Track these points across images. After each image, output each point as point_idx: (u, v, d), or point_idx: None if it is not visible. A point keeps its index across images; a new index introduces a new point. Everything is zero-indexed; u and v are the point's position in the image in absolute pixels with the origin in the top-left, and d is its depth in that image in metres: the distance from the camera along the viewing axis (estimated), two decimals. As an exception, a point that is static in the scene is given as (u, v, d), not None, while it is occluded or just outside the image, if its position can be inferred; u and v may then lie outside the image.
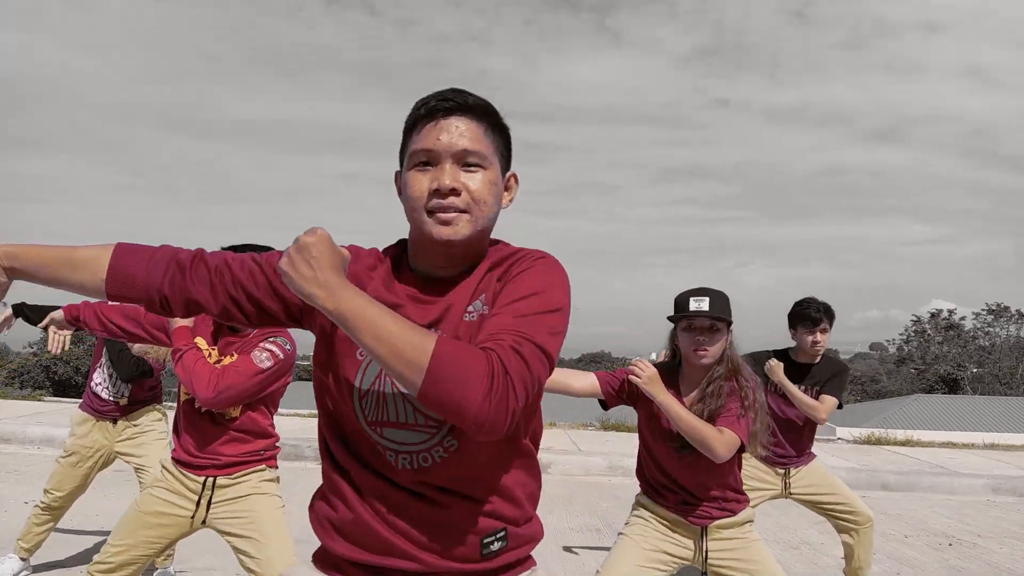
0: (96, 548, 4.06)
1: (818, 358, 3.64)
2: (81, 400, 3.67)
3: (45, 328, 3.01)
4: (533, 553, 1.35)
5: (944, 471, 7.61)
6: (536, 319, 1.12)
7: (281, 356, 2.48)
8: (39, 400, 10.31)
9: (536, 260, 1.22)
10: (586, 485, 6.65)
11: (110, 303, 2.92)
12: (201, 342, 2.54)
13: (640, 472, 2.62)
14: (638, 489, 2.65)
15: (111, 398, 3.53)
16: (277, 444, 2.72)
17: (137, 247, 1.28)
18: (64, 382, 33.69)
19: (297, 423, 8.61)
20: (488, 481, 1.24)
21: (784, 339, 3.76)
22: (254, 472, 2.60)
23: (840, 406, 3.61)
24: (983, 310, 41.99)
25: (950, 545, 5.31)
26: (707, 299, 2.41)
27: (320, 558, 1.34)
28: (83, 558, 3.89)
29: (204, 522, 2.56)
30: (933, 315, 43.01)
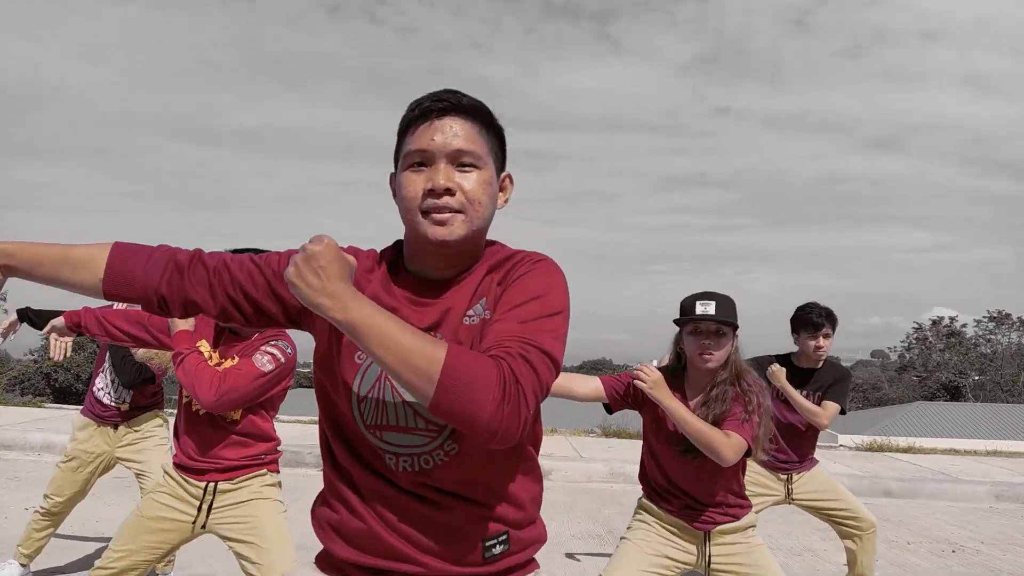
0: (97, 555, 4.05)
1: (820, 363, 3.63)
2: (82, 405, 3.66)
3: (46, 335, 3.01)
4: (536, 556, 1.34)
5: (947, 478, 7.59)
6: (540, 324, 1.12)
7: (282, 359, 2.48)
8: (40, 407, 10.30)
9: (535, 263, 1.22)
10: (588, 492, 6.63)
11: (114, 308, 2.91)
12: (204, 345, 2.54)
13: (643, 476, 2.61)
14: (640, 495, 2.64)
15: (113, 403, 3.53)
16: (278, 448, 2.71)
17: (135, 246, 1.28)
18: (64, 389, 33.72)
19: (297, 429, 8.60)
20: (490, 484, 1.23)
21: (785, 346, 3.75)
22: (255, 477, 2.59)
23: (843, 412, 3.59)
24: (984, 317, 41.98)
25: (953, 552, 5.29)
26: (713, 303, 2.40)
27: (323, 560, 1.33)
28: (83, 564, 3.88)
29: (205, 527, 2.55)
30: (934, 322, 42.97)
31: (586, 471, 7.18)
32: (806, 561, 4.87)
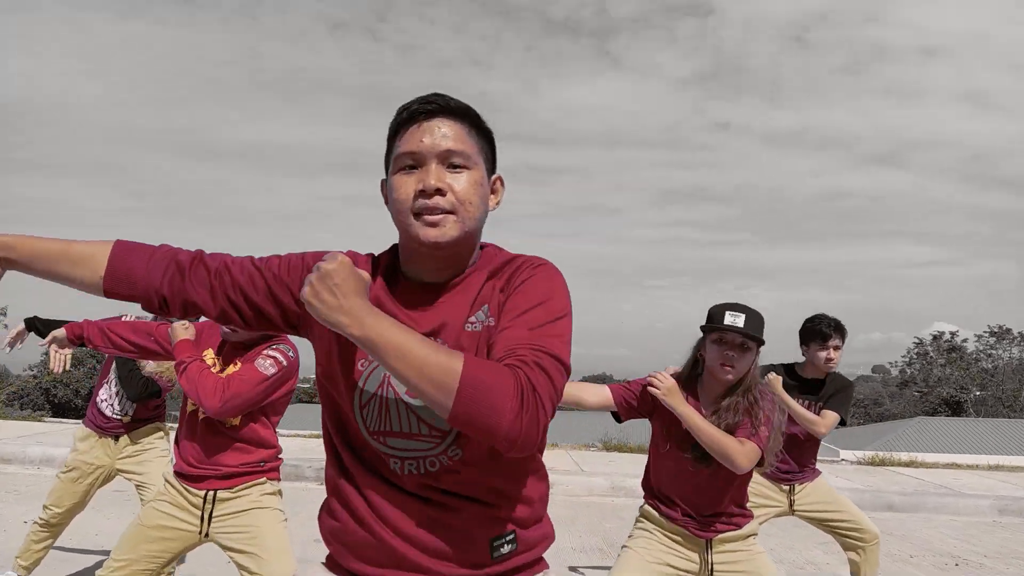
0: (96, 567, 4.03)
1: (826, 374, 3.62)
2: (84, 416, 3.66)
3: (47, 345, 3.00)
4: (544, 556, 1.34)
5: (949, 492, 7.56)
6: (547, 329, 1.12)
7: (284, 362, 2.49)
8: (39, 421, 10.28)
9: (536, 268, 1.22)
10: (589, 505, 6.60)
11: (122, 319, 2.92)
12: (209, 354, 2.55)
13: (647, 483, 2.60)
14: (642, 503, 2.63)
15: (115, 415, 3.52)
16: (279, 456, 2.70)
17: (137, 245, 1.28)
18: (64, 405, 33.60)
19: (298, 443, 8.56)
20: (495, 485, 1.22)
21: (788, 359, 3.74)
22: (255, 485, 2.58)
23: (843, 422, 3.58)
24: (985, 332, 41.89)
25: (956, 565, 5.26)
26: (743, 316, 2.37)
27: (332, 562, 1.32)
28: (82, 577, 3.86)
29: (207, 535, 2.54)
30: (935, 337, 42.88)
31: (587, 485, 7.16)
32: (809, 575, 4.84)
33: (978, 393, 40.52)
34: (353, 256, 1.29)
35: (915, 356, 43.43)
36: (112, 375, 3.55)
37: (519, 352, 1.07)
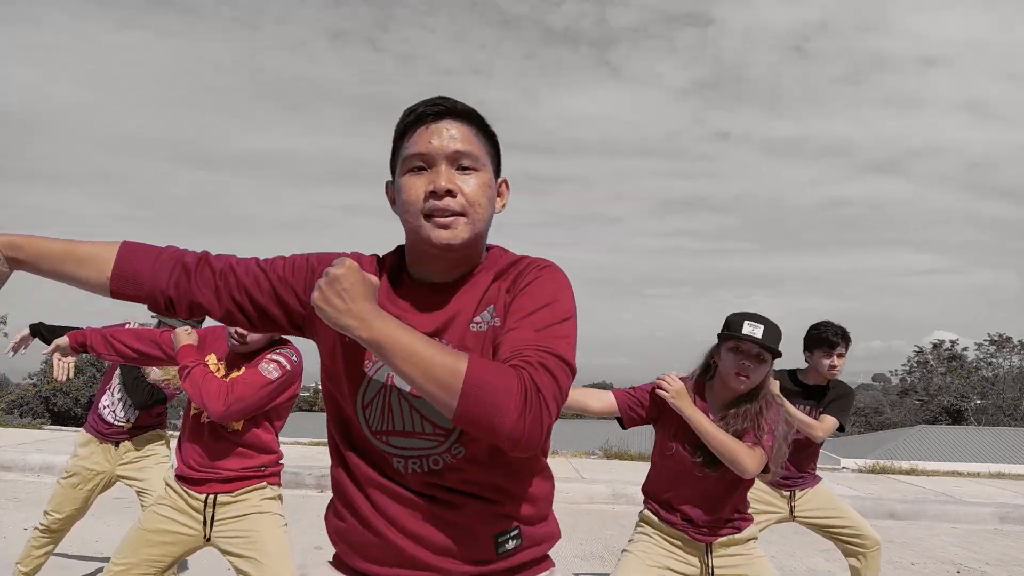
0: (96, 574, 4.03)
1: (828, 381, 3.62)
2: (85, 422, 3.66)
3: (50, 354, 3.00)
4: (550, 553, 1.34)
5: (950, 499, 7.54)
6: (554, 330, 1.13)
7: (288, 367, 2.49)
8: (39, 428, 10.27)
9: (541, 270, 1.23)
10: (589, 513, 6.59)
11: (126, 326, 2.92)
12: (212, 358, 2.55)
13: (648, 488, 2.60)
14: (642, 508, 2.62)
15: (117, 422, 3.52)
16: (280, 461, 2.70)
17: (143, 246, 1.28)
18: (63, 413, 33.55)
19: (298, 451, 8.55)
20: (498, 482, 1.23)
21: (788, 366, 3.74)
22: (255, 490, 2.59)
23: (842, 428, 3.57)
24: (985, 341, 41.85)
25: (958, 573, 5.25)
26: (762, 327, 2.37)
27: (339, 561, 1.33)
28: (82, 583, 3.86)
29: (209, 540, 2.54)
30: (935, 346, 42.84)
31: (588, 492, 7.15)
32: (810, 582, 4.83)
33: (979, 402, 40.44)
34: (357, 257, 1.30)
35: (915, 364, 43.38)
36: (116, 381, 3.55)
37: (524, 353, 1.08)
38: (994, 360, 41.52)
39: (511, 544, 1.23)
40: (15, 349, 3.19)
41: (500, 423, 1.01)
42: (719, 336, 2.49)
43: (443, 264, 1.23)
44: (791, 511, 3.60)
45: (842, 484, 8.11)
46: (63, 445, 7.60)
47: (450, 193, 1.17)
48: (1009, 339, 41.29)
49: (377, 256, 1.33)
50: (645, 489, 2.61)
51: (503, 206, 1.31)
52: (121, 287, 1.25)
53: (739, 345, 2.39)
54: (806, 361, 3.65)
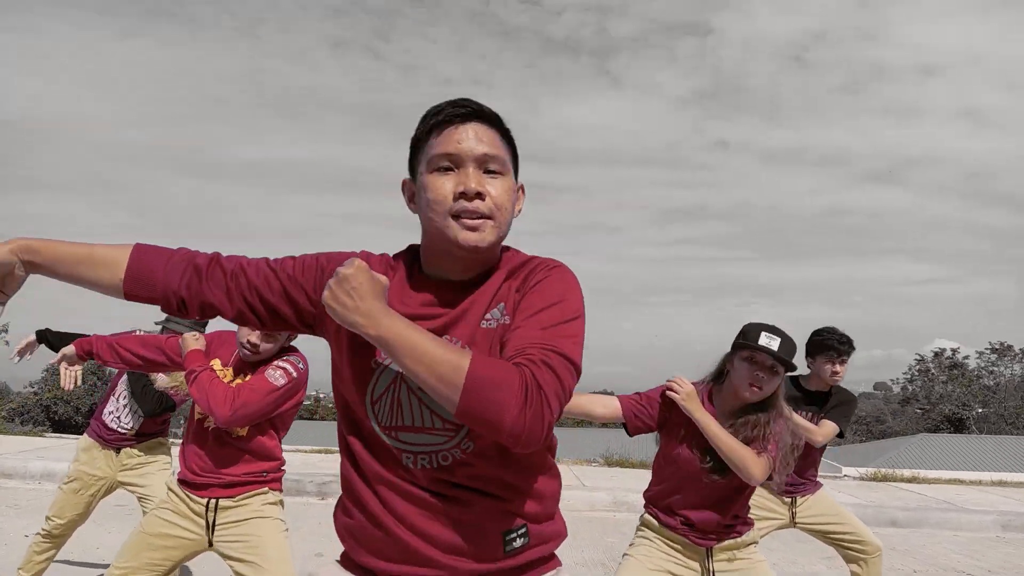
0: (97, 580, 4.03)
1: (830, 387, 3.62)
2: (88, 427, 3.66)
3: (57, 364, 3.01)
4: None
5: (952, 507, 7.53)
6: (559, 329, 1.15)
7: (294, 374, 2.49)
8: (40, 436, 10.27)
9: (551, 269, 1.25)
10: (591, 520, 6.58)
11: (134, 334, 2.93)
12: (217, 364, 2.55)
13: (650, 493, 2.59)
14: (643, 512, 2.62)
15: (121, 429, 3.52)
16: (282, 467, 2.71)
17: (155, 248, 1.30)
18: (64, 422, 33.53)
19: (299, 458, 8.55)
20: (506, 479, 1.24)
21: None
22: (257, 495, 2.59)
23: (842, 434, 3.56)
24: (986, 349, 41.75)
25: (960, 580, 5.23)
26: (779, 340, 2.36)
27: (347, 558, 1.34)
28: (83, 590, 3.85)
29: (212, 544, 2.55)
30: (936, 354, 42.75)
31: (589, 500, 7.14)
32: (812, 589, 4.82)
33: (980, 410, 40.33)
34: (367, 256, 1.32)
35: (916, 373, 43.29)
36: (122, 388, 3.55)
37: (528, 351, 1.10)
38: (995, 368, 41.42)
39: (519, 542, 1.24)
40: (21, 354, 3.20)
41: (501, 419, 1.03)
42: (734, 344, 2.47)
43: (462, 264, 1.25)
44: (792, 517, 3.60)
45: (844, 492, 8.10)
46: (64, 452, 7.59)
47: (479, 196, 1.19)
48: (1010, 347, 41.20)
49: (388, 255, 1.35)
50: (647, 494, 2.60)
51: (519, 211, 1.33)
52: (134, 289, 1.27)
53: (754, 356, 2.38)
54: (808, 367, 3.65)
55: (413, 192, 1.29)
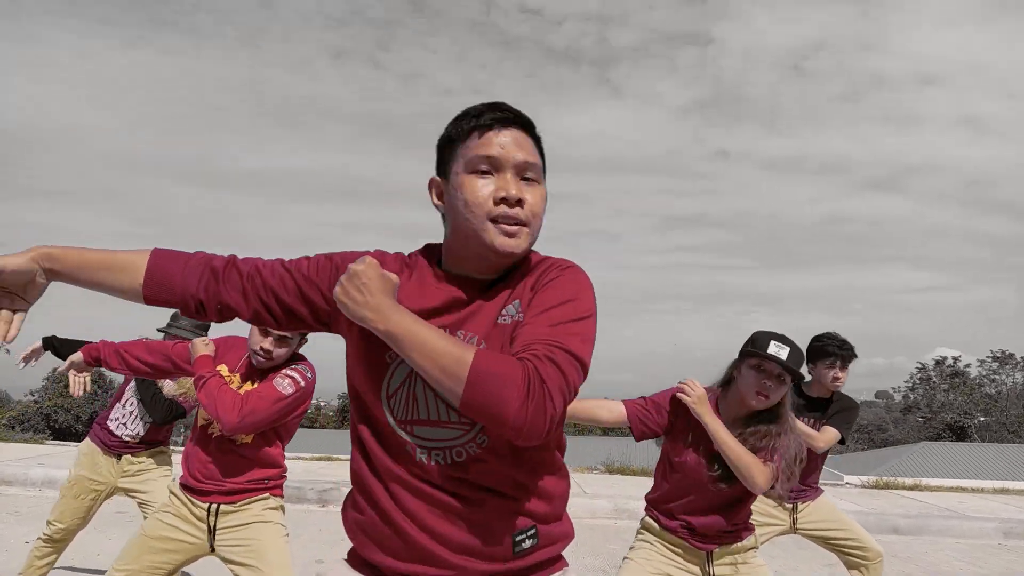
0: (97, 586, 4.02)
1: (832, 394, 3.62)
2: (90, 432, 3.65)
3: (65, 371, 3.01)
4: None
5: (954, 515, 7.51)
6: (568, 327, 1.16)
7: (302, 383, 2.49)
8: (41, 443, 10.27)
9: (564, 269, 1.26)
10: (592, 528, 6.56)
11: (141, 341, 2.93)
12: (224, 369, 2.55)
13: (653, 496, 2.59)
14: (643, 515, 2.62)
15: (126, 436, 3.52)
16: (284, 474, 2.71)
17: (173, 253, 1.32)
18: (64, 430, 33.50)
19: (300, 466, 8.54)
20: (519, 478, 1.25)
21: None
22: (258, 500, 2.59)
23: (843, 441, 3.56)
24: (988, 357, 41.69)
25: (962, 588, 5.22)
26: (787, 349, 2.36)
27: (355, 556, 1.34)
28: (84, 596, 3.84)
29: (213, 548, 2.55)
30: (938, 362, 42.69)
31: (590, 507, 7.12)
32: (813, 596, 4.81)
33: (982, 419, 40.25)
34: (381, 255, 1.34)
35: (918, 381, 43.22)
36: (130, 396, 3.56)
37: (534, 347, 1.11)
38: (997, 377, 41.35)
39: (528, 543, 1.25)
40: (26, 360, 3.20)
41: (503, 412, 1.04)
42: (742, 352, 2.47)
43: (489, 266, 1.26)
44: (793, 523, 3.59)
45: (845, 499, 8.08)
46: (65, 460, 7.59)
47: (520, 202, 1.21)
48: (1012, 356, 41.13)
49: (403, 254, 1.36)
50: (649, 497, 2.60)
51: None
52: (154, 293, 1.29)
53: (762, 364, 2.37)
54: (809, 373, 3.64)
55: (441, 190, 1.29)
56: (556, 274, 1.24)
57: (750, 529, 2.52)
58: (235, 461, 2.55)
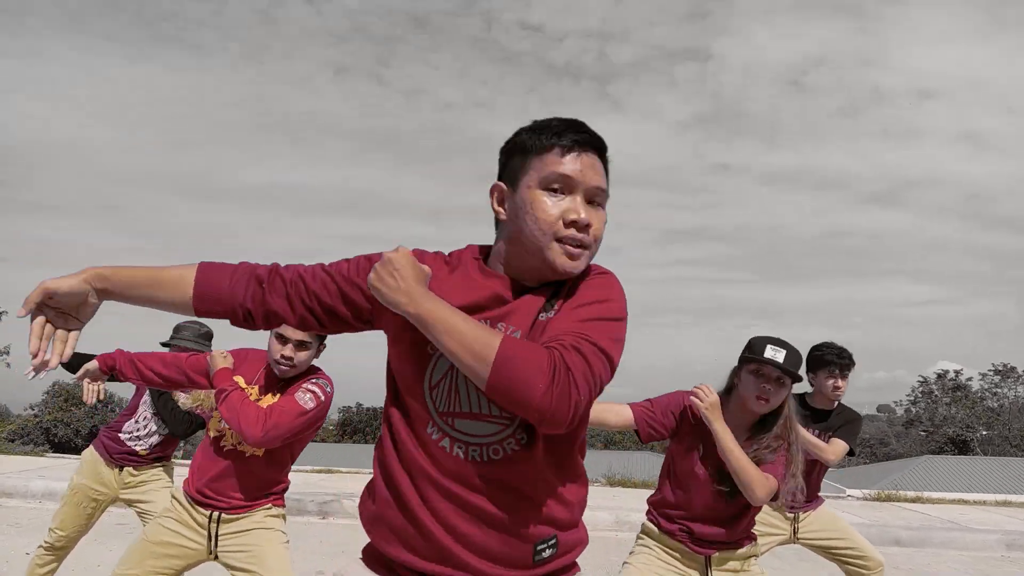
0: (97, 597, 4.01)
1: (835, 404, 3.62)
2: (95, 440, 3.65)
3: (79, 380, 3.02)
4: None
5: (956, 527, 7.48)
6: (598, 324, 1.19)
7: (322, 398, 2.50)
8: (41, 455, 10.25)
9: (600, 275, 1.30)
10: (593, 540, 6.48)
11: (155, 352, 2.94)
12: (240, 381, 2.55)
13: (655, 501, 2.60)
14: (644, 519, 2.62)
15: (139, 448, 3.53)
16: (287, 486, 2.72)
17: (218, 265, 1.36)
18: (64, 444, 33.37)
19: (300, 478, 8.52)
20: (549, 482, 1.26)
21: (796, 389, 3.73)
22: (259, 509, 2.60)
23: (852, 452, 3.56)
24: (990, 371, 41.55)
25: (965, 599, 5.19)
26: (784, 352, 2.39)
27: (370, 555, 1.35)
28: (84, 606, 3.83)
29: (216, 556, 2.55)
30: (940, 376, 42.55)
31: (591, 519, 7.08)
32: (815, 607, 4.79)
33: (984, 432, 40.09)
34: (420, 253, 1.36)
35: (920, 395, 43.06)
36: (144, 410, 3.56)
37: (562, 338, 1.14)
38: (999, 390, 41.21)
39: (547, 553, 1.27)
40: (37, 370, 3.20)
41: (528, 396, 1.07)
42: (741, 358, 2.49)
43: (541, 277, 1.29)
44: (794, 532, 3.59)
45: (847, 511, 8.06)
46: (65, 472, 7.58)
47: (587, 227, 1.24)
48: (1013, 369, 41.02)
49: (442, 252, 1.39)
50: (652, 499, 2.61)
51: None
52: (204, 305, 1.33)
53: (760, 368, 2.40)
54: (810, 383, 3.64)
55: (504, 197, 1.31)
56: (592, 277, 1.28)
57: (752, 538, 2.53)
58: (244, 474, 2.55)
